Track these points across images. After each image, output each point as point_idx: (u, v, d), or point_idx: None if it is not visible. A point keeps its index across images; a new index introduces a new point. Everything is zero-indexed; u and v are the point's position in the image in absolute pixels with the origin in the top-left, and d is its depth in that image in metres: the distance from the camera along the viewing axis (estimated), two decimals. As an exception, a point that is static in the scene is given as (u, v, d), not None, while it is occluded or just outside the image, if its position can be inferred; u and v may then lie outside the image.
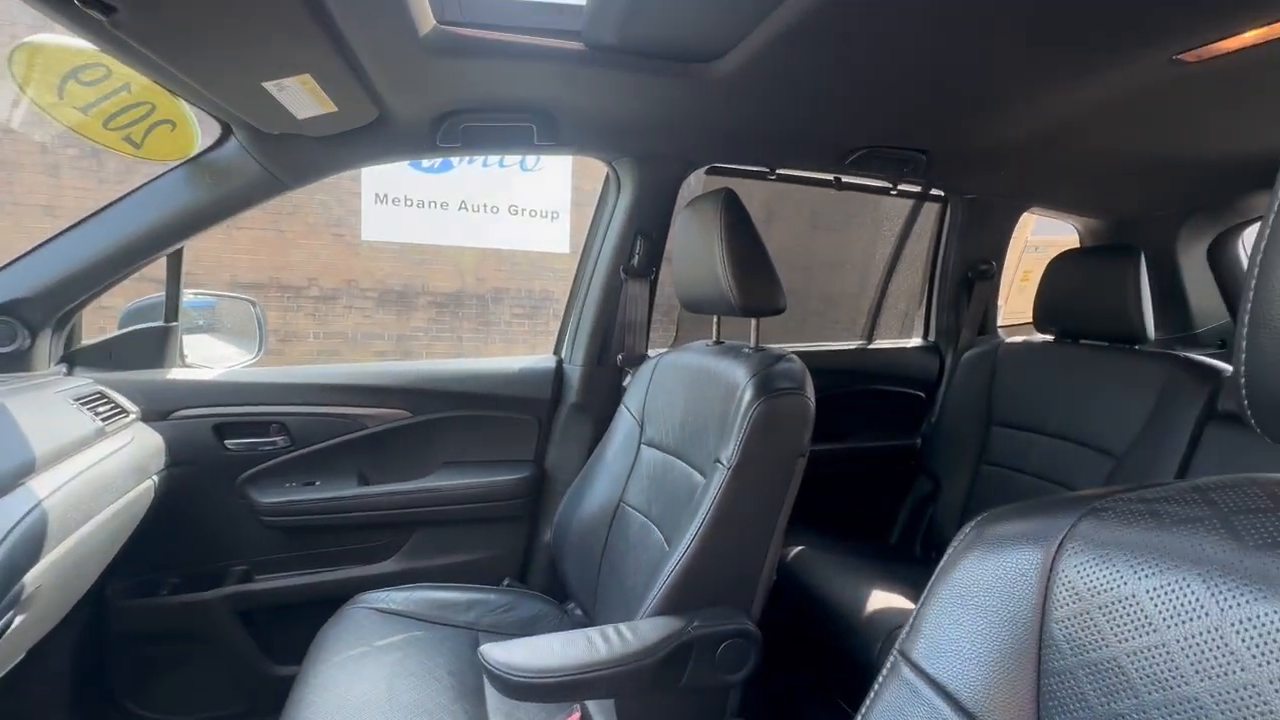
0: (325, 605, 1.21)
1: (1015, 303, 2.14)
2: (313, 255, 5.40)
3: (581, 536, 1.22)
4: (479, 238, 5.77)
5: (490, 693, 0.98)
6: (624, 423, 1.26)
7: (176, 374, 1.30)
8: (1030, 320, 1.60)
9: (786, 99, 1.13)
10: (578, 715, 0.91)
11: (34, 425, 0.87)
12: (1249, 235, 1.96)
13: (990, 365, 1.65)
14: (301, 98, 0.93)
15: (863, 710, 0.45)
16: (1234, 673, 0.30)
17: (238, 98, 0.95)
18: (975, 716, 0.38)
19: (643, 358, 1.47)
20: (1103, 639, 0.35)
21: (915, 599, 1.40)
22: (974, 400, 1.65)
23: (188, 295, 1.37)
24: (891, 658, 0.45)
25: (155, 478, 1.12)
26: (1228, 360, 1.28)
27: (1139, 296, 1.35)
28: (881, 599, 1.27)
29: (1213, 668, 0.30)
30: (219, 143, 1.13)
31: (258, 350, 1.51)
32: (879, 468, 1.84)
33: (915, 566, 1.54)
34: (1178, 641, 0.32)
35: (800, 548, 1.52)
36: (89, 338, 1.27)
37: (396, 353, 5.71)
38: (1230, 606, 0.30)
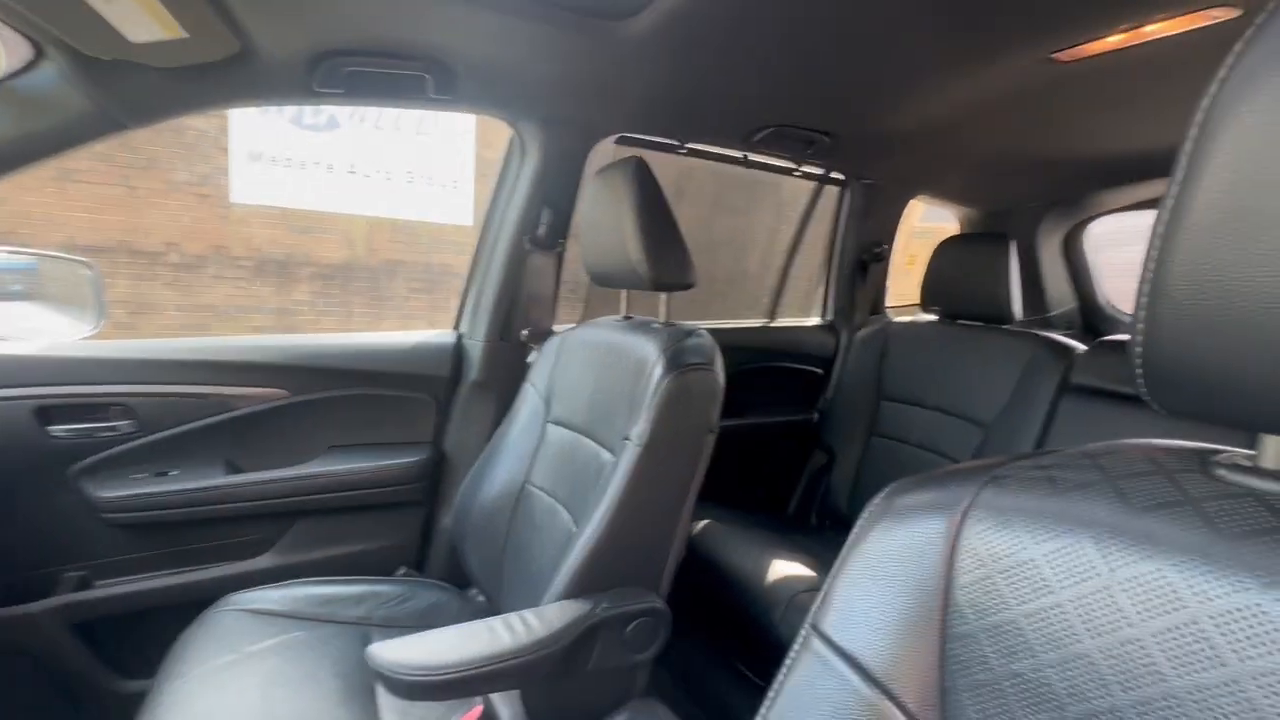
0: (186, 610, 1.07)
1: (902, 285, 2.29)
2: (172, 217, 4.75)
3: (484, 519, 1.16)
4: (371, 205, 5.34)
5: (384, 692, 0.91)
6: (529, 401, 1.21)
7: None
8: (916, 301, 1.71)
9: (698, 67, 1.10)
10: (480, 709, 0.86)
11: None
12: (1093, 230, 2.21)
13: (881, 343, 1.75)
14: (136, 16, 0.78)
15: (775, 684, 0.44)
16: (1121, 629, 0.31)
17: (49, 9, 0.77)
18: (883, 684, 0.39)
19: (549, 333, 1.41)
20: (1003, 602, 0.35)
21: (813, 566, 1.45)
22: (866, 376, 1.75)
23: (-4, 254, 1.14)
24: (803, 631, 0.44)
25: None
26: (1078, 340, 1.44)
27: (1008, 280, 1.47)
28: (782, 568, 1.32)
29: (1102, 625, 0.31)
30: (29, 66, 0.92)
31: (95, 322, 1.29)
32: (779, 441, 1.91)
33: (811, 534, 1.62)
34: (1071, 602, 0.33)
35: (705, 521, 1.54)
36: None
37: (278, 328, 5.20)
38: (1118, 566, 0.32)
